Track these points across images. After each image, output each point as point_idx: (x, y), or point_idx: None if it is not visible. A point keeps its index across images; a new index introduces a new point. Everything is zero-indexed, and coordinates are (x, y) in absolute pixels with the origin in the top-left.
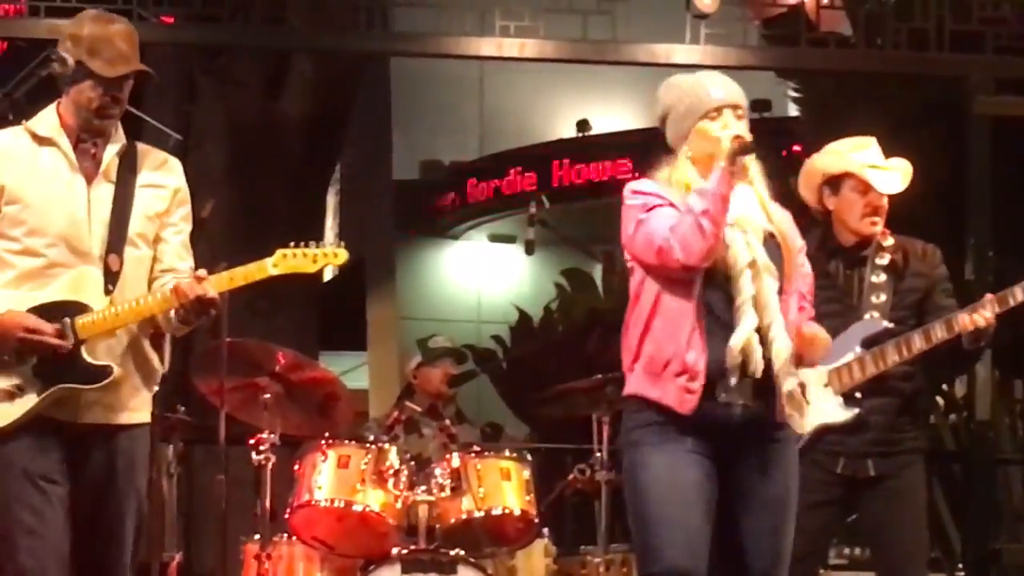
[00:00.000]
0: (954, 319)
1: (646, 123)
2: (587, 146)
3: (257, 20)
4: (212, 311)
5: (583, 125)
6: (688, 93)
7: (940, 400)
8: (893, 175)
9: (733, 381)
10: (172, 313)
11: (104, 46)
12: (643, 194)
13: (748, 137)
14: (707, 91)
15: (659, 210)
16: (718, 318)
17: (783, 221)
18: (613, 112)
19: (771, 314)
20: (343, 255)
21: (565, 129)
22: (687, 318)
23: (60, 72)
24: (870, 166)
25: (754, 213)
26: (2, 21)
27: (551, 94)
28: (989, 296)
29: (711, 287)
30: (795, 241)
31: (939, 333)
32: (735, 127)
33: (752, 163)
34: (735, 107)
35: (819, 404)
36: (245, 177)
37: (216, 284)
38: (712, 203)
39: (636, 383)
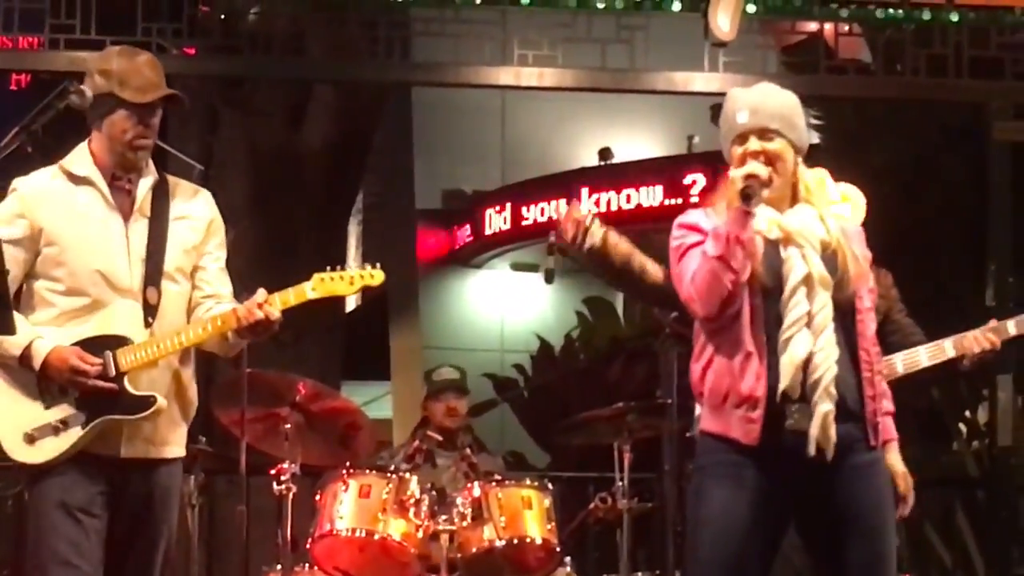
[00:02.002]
0: (943, 345)
1: (668, 151)
2: (609, 174)
3: (277, 51)
4: (274, 329)
5: (605, 153)
6: (725, 115)
7: (963, 427)
8: (844, 208)
9: (795, 407)
10: (230, 335)
11: (133, 76)
12: (683, 228)
13: (762, 173)
14: (734, 115)
15: (691, 253)
16: (776, 340)
17: (844, 232)
18: (635, 140)
19: (823, 333)
20: (380, 276)
21: (587, 157)
22: (741, 344)
23: (79, 104)
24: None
25: (811, 225)
26: (23, 54)
27: (573, 122)
28: (994, 322)
29: (769, 306)
30: (858, 252)
31: (924, 361)
32: (751, 164)
33: (806, 174)
34: (762, 131)
35: None
36: (267, 207)
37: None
38: (725, 248)
39: (704, 419)
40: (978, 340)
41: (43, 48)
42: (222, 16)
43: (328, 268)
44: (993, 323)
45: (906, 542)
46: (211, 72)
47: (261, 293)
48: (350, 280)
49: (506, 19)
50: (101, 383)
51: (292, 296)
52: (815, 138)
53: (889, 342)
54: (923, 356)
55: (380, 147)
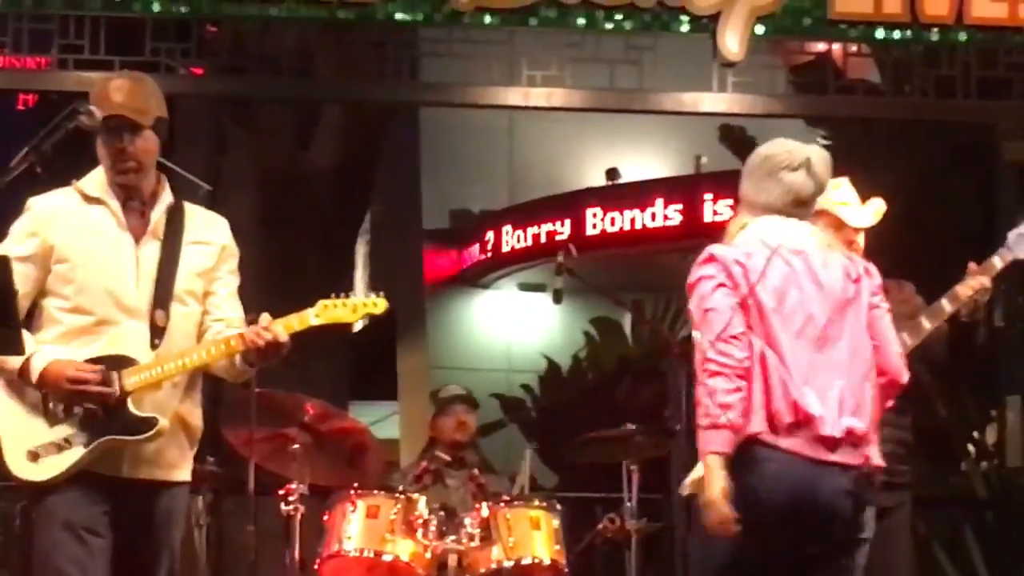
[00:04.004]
0: (940, 304)
1: (675, 171)
2: (616, 194)
3: (285, 71)
4: (282, 353)
5: (612, 173)
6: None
7: (971, 447)
8: (864, 210)
9: None
10: (237, 360)
11: (102, 102)
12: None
13: None
14: None
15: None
16: None
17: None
18: (642, 160)
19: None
20: (383, 304)
21: (594, 177)
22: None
23: (88, 125)
24: (842, 203)
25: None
26: (32, 74)
27: (580, 143)
28: (972, 266)
29: None
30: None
31: (927, 324)
32: None
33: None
34: None
35: None
36: (275, 227)
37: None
38: None
39: None
40: (968, 285)
41: (52, 68)
42: (230, 36)
43: (333, 295)
44: (972, 266)
45: (915, 562)
46: (219, 92)
47: (264, 318)
48: (353, 308)
49: (514, 40)
50: (101, 388)
51: (296, 322)
52: None
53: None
54: (925, 322)
55: (387, 167)
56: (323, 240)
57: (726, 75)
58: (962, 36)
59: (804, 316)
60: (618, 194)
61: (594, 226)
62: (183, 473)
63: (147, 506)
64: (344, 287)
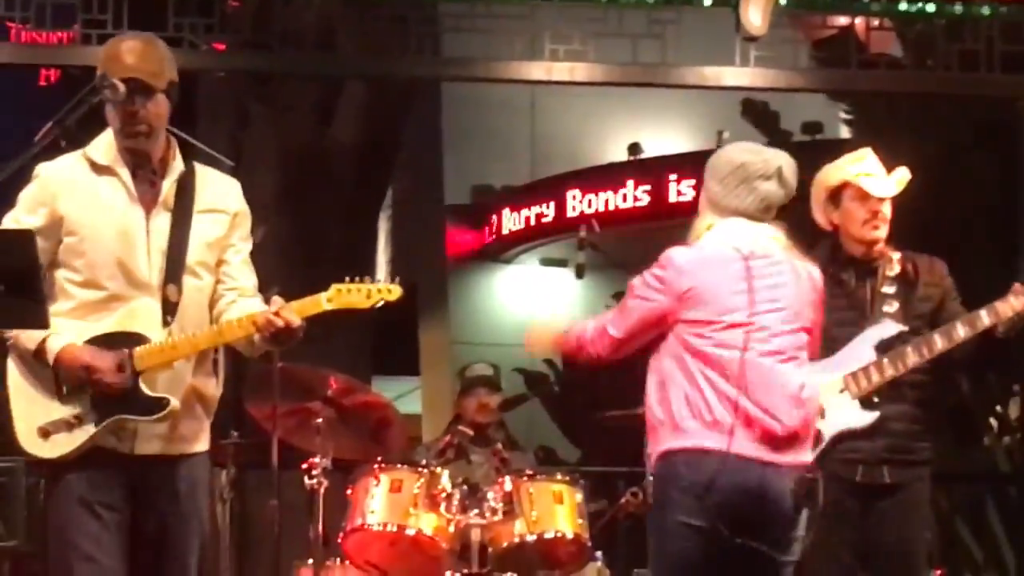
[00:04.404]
0: (979, 315)
1: (697, 145)
2: (639, 169)
3: (308, 47)
4: (297, 336)
5: (634, 148)
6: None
7: (993, 422)
8: (886, 180)
9: None
10: (256, 337)
11: (114, 63)
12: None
13: None
14: None
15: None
16: None
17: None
18: (664, 135)
19: None
20: (397, 291)
21: (616, 152)
22: None
23: (112, 99)
24: (865, 174)
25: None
26: (55, 49)
27: (602, 118)
28: (1018, 286)
29: None
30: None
31: (961, 332)
32: None
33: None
34: None
35: (837, 410)
36: (297, 203)
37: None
38: None
39: None
40: (1011, 305)
41: (75, 43)
42: (253, 12)
43: (348, 279)
44: (1017, 286)
45: (937, 537)
46: (241, 68)
47: (277, 301)
48: (367, 293)
49: (536, 14)
50: (114, 379)
51: (308, 306)
52: (845, 133)
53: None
54: (960, 329)
55: (409, 143)
56: (345, 216)
57: (749, 49)
58: (985, 10)
59: (770, 317)
60: (640, 169)
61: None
62: (199, 444)
63: (166, 480)
64: (366, 262)
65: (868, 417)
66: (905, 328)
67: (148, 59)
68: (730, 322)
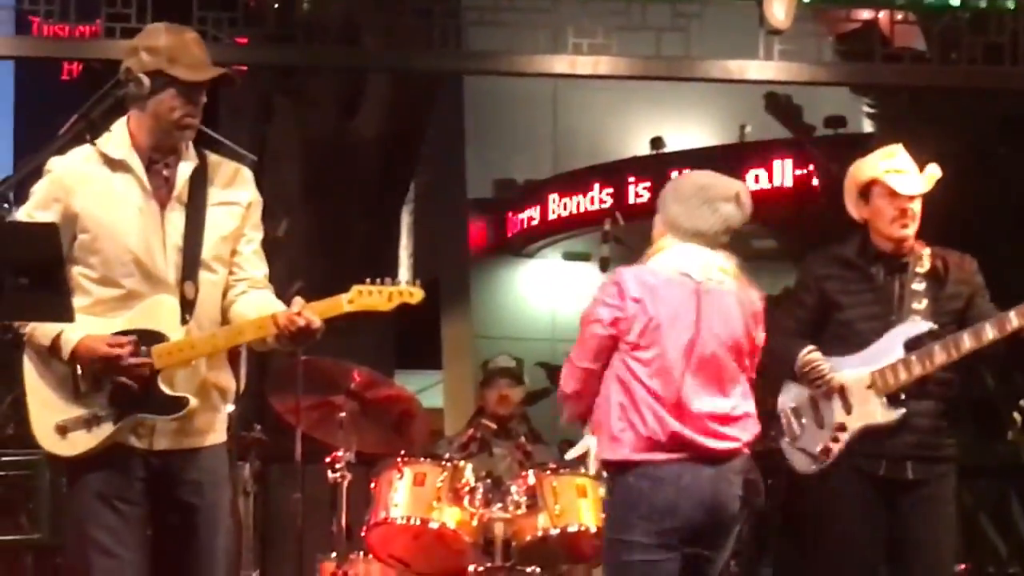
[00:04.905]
0: (1009, 317)
1: (719, 140)
2: (661, 163)
3: (332, 40)
4: (315, 337)
5: (657, 142)
6: None
7: (1018, 416)
8: (914, 178)
9: None
10: (269, 339)
11: (183, 53)
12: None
13: None
14: None
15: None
16: None
17: None
18: (686, 129)
19: None
20: (419, 294)
21: (639, 146)
22: None
23: (136, 92)
24: (894, 171)
25: None
26: (80, 43)
27: (624, 111)
28: None
29: None
30: None
31: (990, 333)
32: None
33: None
34: None
35: (863, 406)
36: (321, 196)
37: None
38: None
39: None
40: None
41: (99, 37)
42: (276, 5)
43: (369, 280)
44: None
45: (961, 532)
46: (266, 62)
47: (297, 302)
48: (388, 296)
49: (560, 8)
50: (133, 360)
51: (328, 307)
52: (868, 127)
53: (969, 325)
54: (989, 330)
55: (432, 136)
56: (368, 210)
57: (772, 43)
58: (1010, 3)
59: (712, 344)
60: (663, 163)
61: (638, 194)
62: (216, 436)
63: (190, 473)
64: (389, 256)
65: (894, 414)
66: (935, 326)
67: (207, 53)
68: (676, 347)
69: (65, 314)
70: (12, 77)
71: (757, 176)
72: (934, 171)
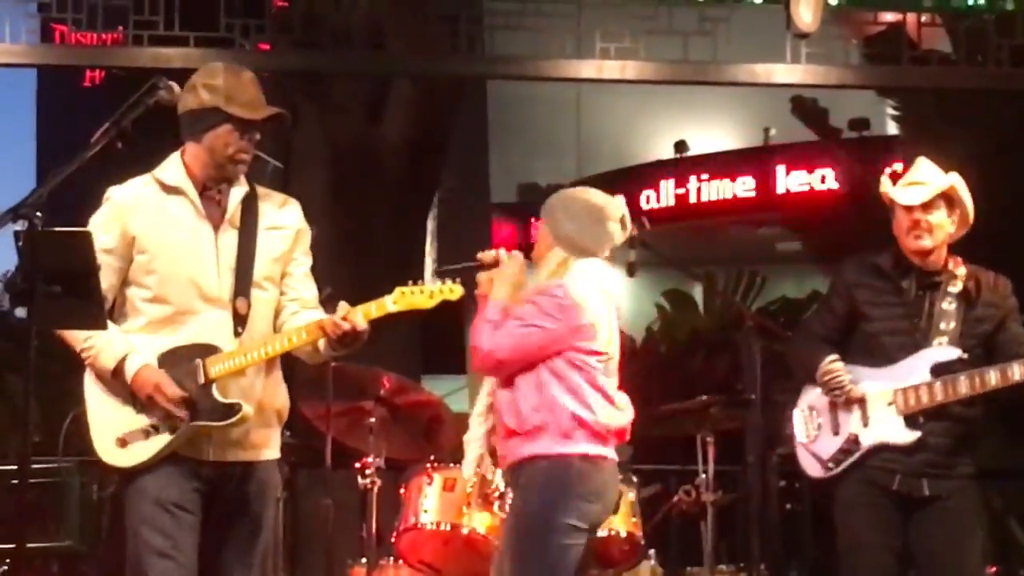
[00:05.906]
0: None
1: (743, 143)
2: (685, 167)
3: (357, 46)
4: (362, 340)
5: (681, 146)
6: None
7: None
8: (915, 189)
9: None
10: (321, 345)
11: (240, 92)
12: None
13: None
14: None
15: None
16: None
17: None
18: (710, 132)
19: None
20: (459, 291)
21: (662, 150)
22: None
23: (168, 100)
24: (902, 183)
25: None
26: (107, 50)
27: (648, 115)
28: None
29: None
30: None
31: (1017, 374)
32: None
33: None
34: None
35: (881, 422)
36: (346, 202)
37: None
38: None
39: None
40: None
41: (126, 44)
42: (302, 12)
43: (411, 281)
44: None
45: (991, 534)
46: (292, 68)
47: (343, 306)
48: (430, 294)
49: (585, 13)
50: (176, 410)
51: (374, 309)
52: (893, 129)
53: (998, 349)
54: (1016, 371)
55: (456, 141)
56: (394, 215)
57: (799, 46)
58: None
59: (613, 348)
60: (687, 167)
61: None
62: (270, 452)
63: (238, 485)
64: (415, 261)
65: (910, 436)
66: (964, 355)
67: (260, 91)
68: (602, 351)
69: (96, 321)
70: (35, 83)
71: (787, 182)
72: (940, 184)
